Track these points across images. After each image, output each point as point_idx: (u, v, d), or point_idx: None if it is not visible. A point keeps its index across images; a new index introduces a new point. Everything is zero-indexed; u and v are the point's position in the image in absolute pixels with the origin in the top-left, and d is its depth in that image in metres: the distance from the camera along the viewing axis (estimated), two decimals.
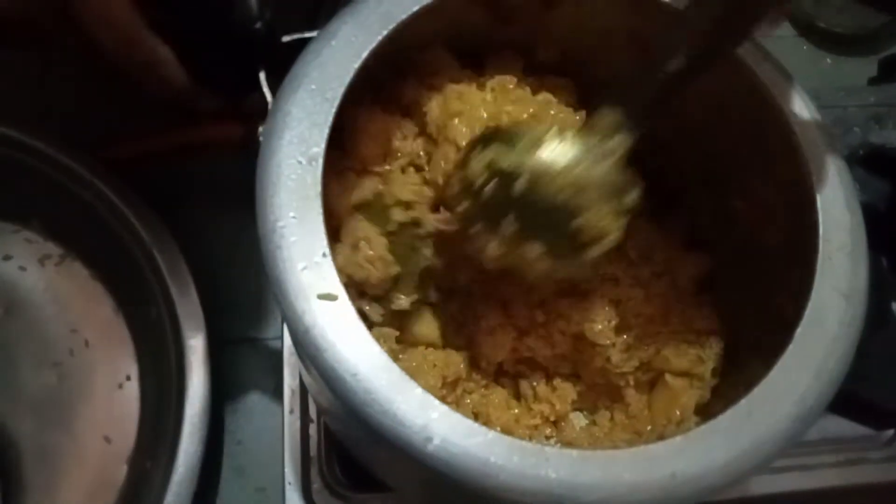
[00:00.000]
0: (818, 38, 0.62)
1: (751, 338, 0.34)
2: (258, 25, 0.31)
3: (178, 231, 0.45)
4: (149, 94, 0.35)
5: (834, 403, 0.28)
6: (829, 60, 0.62)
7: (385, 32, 0.32)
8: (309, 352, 0.26)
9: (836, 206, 0.30)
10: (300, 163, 0.29)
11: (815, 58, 0.62)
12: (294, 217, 0.28)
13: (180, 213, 0.46)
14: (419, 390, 0.25)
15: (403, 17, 0.32)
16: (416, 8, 0.33)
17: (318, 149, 0.29)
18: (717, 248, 0.39)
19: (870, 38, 0.60)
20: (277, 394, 0.45)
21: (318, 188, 0.28)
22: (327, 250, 0.27)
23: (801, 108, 0.33)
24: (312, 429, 0.44)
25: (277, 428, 0.44)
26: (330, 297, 0.26)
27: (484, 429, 0.25)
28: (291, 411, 0.44)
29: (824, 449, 0.43)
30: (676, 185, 0.41)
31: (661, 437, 0.27)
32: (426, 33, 0.36)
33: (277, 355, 0.46)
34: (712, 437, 0.27)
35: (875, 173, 0.40)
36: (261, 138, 0.30)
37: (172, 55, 0.34)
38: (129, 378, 0.46)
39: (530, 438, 0.35)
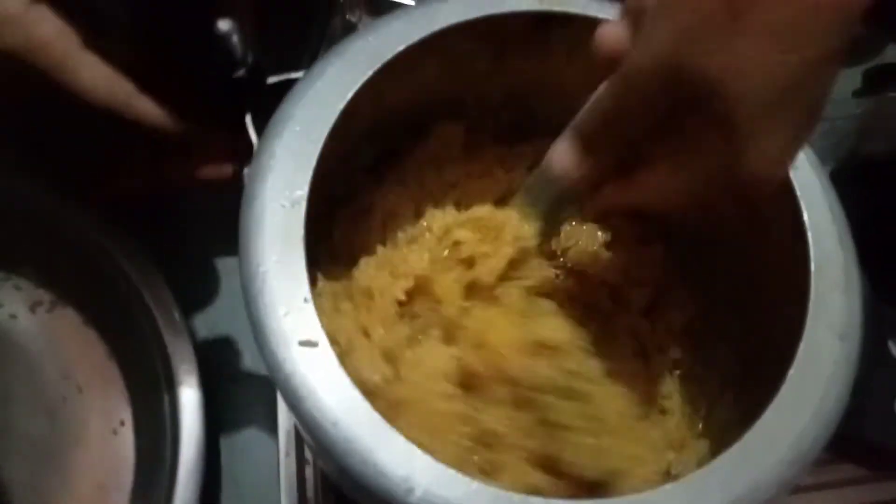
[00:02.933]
0: None
1: (747, 378, 0.33)
2: (241, 72, 0.31)
3: (169, 270, 0.45)
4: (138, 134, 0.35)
5: (831, 444, 0.27)
6: None
7: (371, 72, 0.32)
8: (289, 400, 0.26)
9: (829, 242, 0.30)
10: (283, 206, 0.29)
11: None
12: (277, 261, 0.28)
13: (171, 251, 0.46)
14: (401, 440, 0.25)
15: (390, 56, 0.32)
16: (402, 47, 0.32)
17: (302, 192, 0.29)
18: (708, 284, 0.38)
19: (855, 48, 0.59)
20: (274, 432, 0.45)
21: (302, 232, 0.28)
22: (309, 296, 0.27)
23: None
24: (309, 471, 0.43)
25: (275, 466, 0.44)
26: (311, 344, 0.26)
27: (467, 479, 0.24)
28: (287, 454, 0.44)
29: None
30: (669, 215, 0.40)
31: None
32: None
33: (272, 393, 0.46)
34: (707, 482, 0.26)
35: (864, 186, 0.39)
36: (245, 181, 0.30)
37: (159, 111, 0.33)
38: (123, 423, 0.45)
39: None
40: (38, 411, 0.45)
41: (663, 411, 0.37)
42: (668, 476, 0.33)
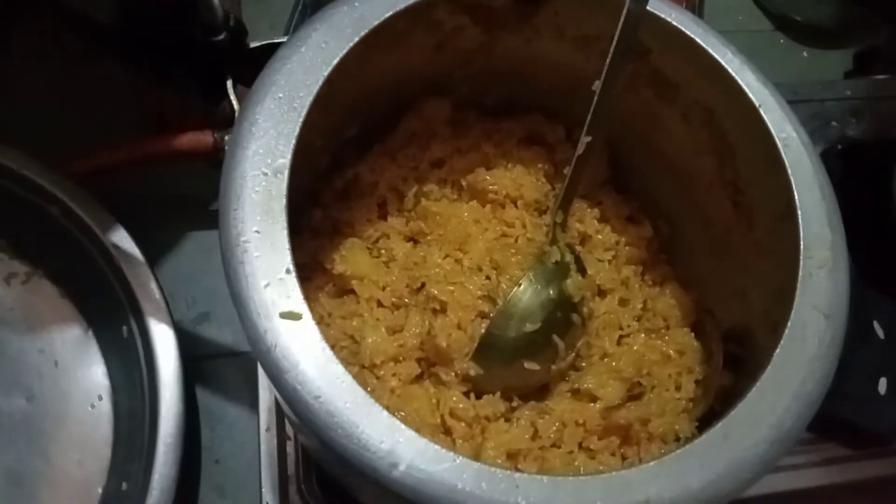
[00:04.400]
0: (795, 31, 0.62)
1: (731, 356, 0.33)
2: (222, 36, 0.30)
3: (148, 245, 0.44)
4: None
5: (814, 424, 0.27)
6: (805, 54, 0.62)
7: (357, 39, 0.31)
8: (271, 373, 0.25)
9: (818, 223, 0.30)
10: (265, 174, 0.28)
11: (792, 52, 0.62)
12: (257, 231, 0.27)
13: (150, 226, 0.45)
14: (385, 414, 0.25)
15: (376, 23, 0.31)
16: (389, 14, 0.31)
17: (285, 160, 0.28)
18: (698, 260, 0.38)
19: (845, 30, 0.60)
20: (255, 409, 0.44)
21: (284, 201, 0.27)
22: (291, 266, 0.26)
23: (784, 122, 0.32)
24: (290, 447, 0.43)
25: (256, 442, 0.43)
26: (293, 316, 0.25)
27: (451, 454, 0.24)
28: (268, 429, 0.43)
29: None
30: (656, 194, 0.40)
31: None
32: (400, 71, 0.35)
33: (254, 370, 0.45)
34: (687, 461, 0.26)
35: (852, 167, 0.39)
36: (226, 148, 0.29)
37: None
38: (100, 398, 0.45)
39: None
40: (15, 386, 0.44)
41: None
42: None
